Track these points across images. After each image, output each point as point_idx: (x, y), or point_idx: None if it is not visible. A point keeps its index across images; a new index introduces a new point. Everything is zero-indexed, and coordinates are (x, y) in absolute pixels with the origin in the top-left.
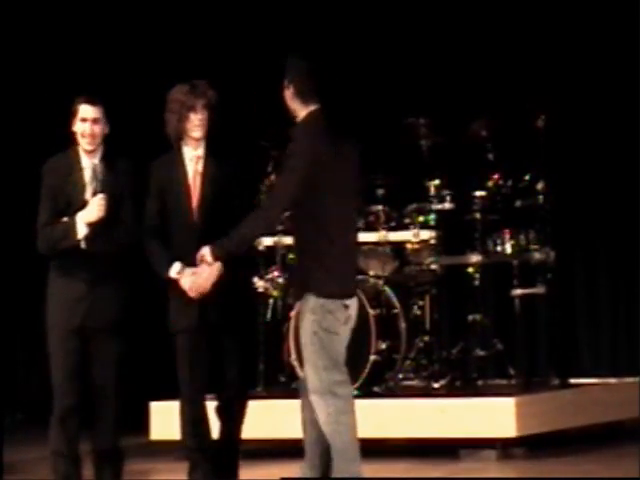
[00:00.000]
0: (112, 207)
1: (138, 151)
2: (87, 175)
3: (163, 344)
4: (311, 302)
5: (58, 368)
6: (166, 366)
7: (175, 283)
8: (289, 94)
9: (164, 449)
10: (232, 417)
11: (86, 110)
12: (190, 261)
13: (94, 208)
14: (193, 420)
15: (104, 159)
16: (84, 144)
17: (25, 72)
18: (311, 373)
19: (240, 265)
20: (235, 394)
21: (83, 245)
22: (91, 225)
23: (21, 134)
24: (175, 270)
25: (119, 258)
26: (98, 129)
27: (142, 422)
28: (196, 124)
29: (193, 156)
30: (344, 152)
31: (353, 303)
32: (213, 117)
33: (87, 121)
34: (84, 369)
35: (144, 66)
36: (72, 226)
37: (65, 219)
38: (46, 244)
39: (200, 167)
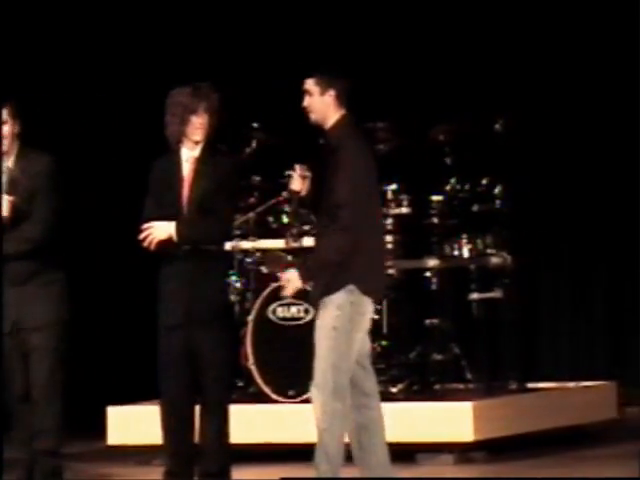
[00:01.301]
0: (22, 207)
1: (139, 150)
2: (3, 178)
3: (122, 347)
4: (340, 298)
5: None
6: (124, 370)
7: (165, 281)
8: (327, 99)
9: (122, 454)
10: (214, 420)
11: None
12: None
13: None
14: (174, 423)
15: (19, 159)
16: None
17: None
18: (319, 368)
19: (220, 265)
20: (215, 396)
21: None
22: None
23: None
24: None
25: (43, 255)
26: (6, 130)
27: (99, 427)
28: (197, 127)
29: (190, 157)
30: (372, 156)
31: (373, 307)
32: (214, 120)
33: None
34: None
35: (140, 68)
36: None
37: None
38: None
39: (195, 168)
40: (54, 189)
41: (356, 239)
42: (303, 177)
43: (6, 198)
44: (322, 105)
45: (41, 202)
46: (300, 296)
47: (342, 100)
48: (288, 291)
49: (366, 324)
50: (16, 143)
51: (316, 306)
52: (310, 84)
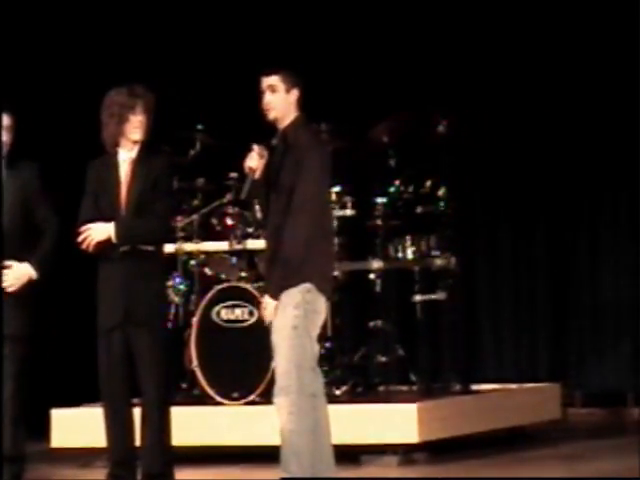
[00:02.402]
0: (20, 214)
1: (74, 152)
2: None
3: (66, 349)
4: (298, 297)
5: None
6: (68, 373)
7: (103, 282)
8: (291, 98)
9: (65, 456)
10: (154, 422)
11: None
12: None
13: None
14: (113, 424)
15: (7, 167)
16: None
17: None
18: (282, 370)
19: (158, 265)
20: (155, 398)
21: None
22: None
23: None
24: None
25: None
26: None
27: (43, 429)
28: (135, 126)
29: (127, 158)
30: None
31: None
32: (150, 121)
33: None
34: None
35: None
36: None
37: None
38: None
39: (132, 169)
40: (45, 194)
41: (314, 238)
42: (261, 156)
43: None
44: (285, 103)
45: (42, 210)
46: (244, 298)
47: (300, 102)
48: (268, 317)
49: (321, 323)
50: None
51: (273, 298)
52: (275, 81)
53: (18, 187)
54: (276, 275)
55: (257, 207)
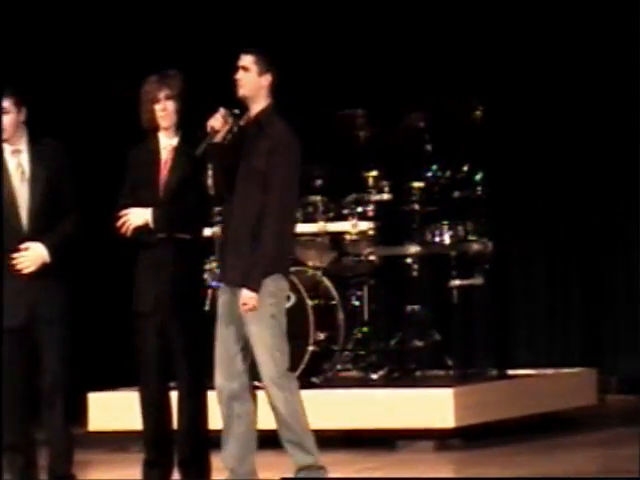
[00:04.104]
0: (45, 194)
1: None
2: (11, 164)
3: (104, 333)
4: (271, 286)
5: (2, 367)
6: (105, 356)
7: (139, 267)
8: (262, 81)
9: (102, 440)
10: (189, 407)
11: None
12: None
13: None
14: (149, 408)
15: (29, 146)
16: None
17: None
18: (265, 359)
19: (194, 253)
20: (190, 383)
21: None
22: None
23: None
24: None
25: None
26: (7, 120)
27: (80, 413)
28: (160, 115)
29: (167, 144)
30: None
31: None
32: (181, 107)
33: None
34: (30, 362)
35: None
36: None
37: None
38: None
39: (172, 156)
40: (72, 173)
41: (287, 227)
42: (225, 120)
43: None
44: (256, 84)
45: (68, 190)
46: None
47: (273, 89)
48: (247, 310)
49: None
50: (24, 131)
51: (253, 291)
52: (248, 61)
53: (43, 166)
54: (257, 269)
55: (210, 172)
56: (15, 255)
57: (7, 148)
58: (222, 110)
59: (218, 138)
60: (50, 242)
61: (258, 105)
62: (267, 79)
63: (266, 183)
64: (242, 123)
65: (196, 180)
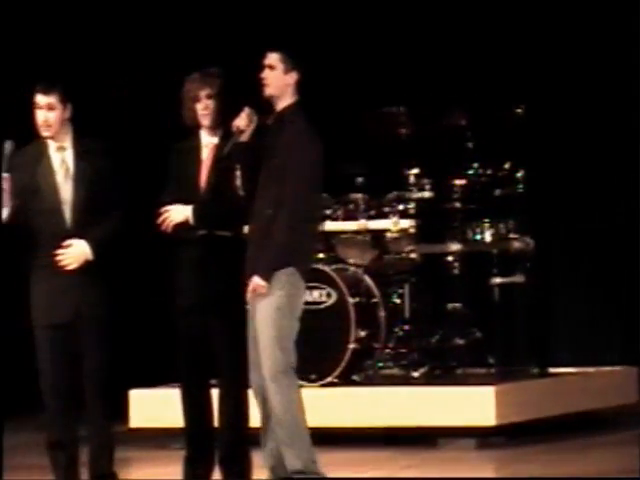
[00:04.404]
0: (93, 191)
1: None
2: (55, 161)
3: (144, 330)
4: (283, 278)
5: (45, 363)
6: (147, 353)
7: (180, 264)
8: (288, 79)
9: (143, 437)
10: (229, 405)
11: (39, 98)
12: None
13: None
14: (191, 406)
15: (75, 142)
16: (41, 132)
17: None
18: (267, 352)
19: (235, 250)
20: (231, 380)
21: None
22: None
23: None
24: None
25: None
26: (53, 116)
27: (121, 410)
28: (200, 113)
29: (209, 142)
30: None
31: None
32: (222, 105)
33: (42, 109)
34: (74, 359)
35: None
36: None
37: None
38: None
39: (213, 154)
40: (117, 172)
41: (302, 223)
42: (250, 119)
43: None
44: (281, 82)
45: (112, 188)
46: (321, 280)
47: (299, 88)
48: (253, 295)
49: (301, 307)
50: (69, 128)
51: (264, 279)
52: (274, 59)
53: (88, 164)
54: (267, 258)
55: (238, 173)
56: (58, 252)
57: (52, 145)
58: (247, 109)
59: (244, 137)
60: (93, 239)
61: (283, 103)
62: (293, 77)
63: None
64: (269, 122)
65: (237, 178)
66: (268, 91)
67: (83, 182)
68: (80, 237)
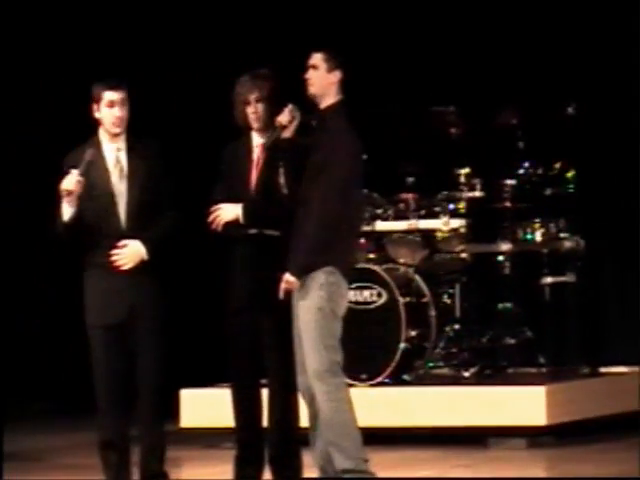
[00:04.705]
0: (147, 191)
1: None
2: (110, 161)
3: (196, 330)
4: (322, 278)
5: (99, 362)
6: (198, 353)
7: (231, 263)
8: (331, 78)
9: (194, 437)
10: (280, 405)
11: (114, 94)
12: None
13: (69, 182)
14: (241, 406)
15: (129, 142)
16: (113, 129)
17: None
18: (311, 352)
19: (285, 249)
20: (282, 380)
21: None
22: (71, 205)
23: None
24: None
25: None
26: (125, 112)
27: (172, 410)
28: (251, 117)
29: (259, 143)
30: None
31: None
32: (272, 108)
33: (115, 105)
34: (127, 359)
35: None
36: (60, 208)
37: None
38: (58, 232)
39: (264, 154)
40: (170, 174)
41: (339, 222)
42: (292, 115)
43: (74, 172)
44: (325, 82)
45: (166, 189)
46: (372, 279)
47: (341, 84)
48: (284, 291)
49: (345, 304)
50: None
51: (294, 276)
52: (318, 59)
53: (142, 164)
54: (299, 256)
55: (281, 171)
56: (113, 252)
57: (106, 144)
58: (290, 106)
59: (287, 134)
60: (148, 239)
61: (326, 102)
62: (336, 75)
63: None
64: (313, 122)
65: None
66: (311, 90)
67: (137, 182)
68: (134, 237)
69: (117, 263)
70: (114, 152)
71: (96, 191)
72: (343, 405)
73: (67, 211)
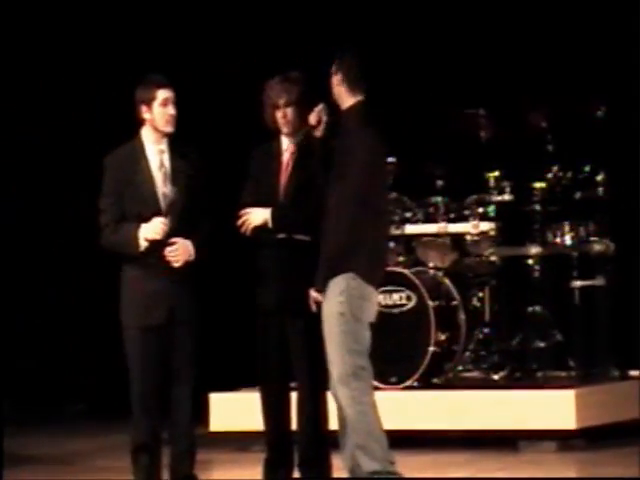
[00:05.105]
0: (188, 194)
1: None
2: (154, 163)
3: (225, 334)
4: (342, 284)
5: (136, 363)
6: (227, 357)
7: (260, 267)
8: (336, 80)
9: (224, 440)
10: (309, 408)
11: (166, 92)
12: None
13: (155, 229)
14: (270, 409)
15: (171, 146)
16: (166, 127)
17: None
18: (335, 357)
19: (314, 254)
20: (311, 383)
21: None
22: (151, 242)
23: (84, 126)
24: None
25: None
26: (173, 111)
27: (202, 413)
28: (280, 121)
29: (289, 146)
30: (384, 142)
31: (377, 296)
32: (302, 112)
33: (169, 104)
34: (163, 362)
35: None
36: (134, 238)
37: (129, 227)
38: (109, 247)
39: (293, 158)
40: (209, 182)
41: (360, 228)
42: (320, 116)
43: (163, 220)
44: (335, 87)
45: (204, 197)
46: (401, 283)
47: (354, 85)
48: (312, 306)
49: (371, 310)
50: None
51: (321, 291)
52: (334, 65)
53: (184, 168)
54: (320, 266)
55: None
56: (167, 249)
57: (149, 146)
58: (320, 106)
59: (317, 133)
60: (196, 240)
61: (344, 105)
62: (338, 78)
63: None
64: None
65: (316, 183)
66: (333, 95)
67: (181, 185)
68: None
69: (171, 259)
70: (158, 154)
71: (140, 194)
72: (368, 409)
73: (143, 244)
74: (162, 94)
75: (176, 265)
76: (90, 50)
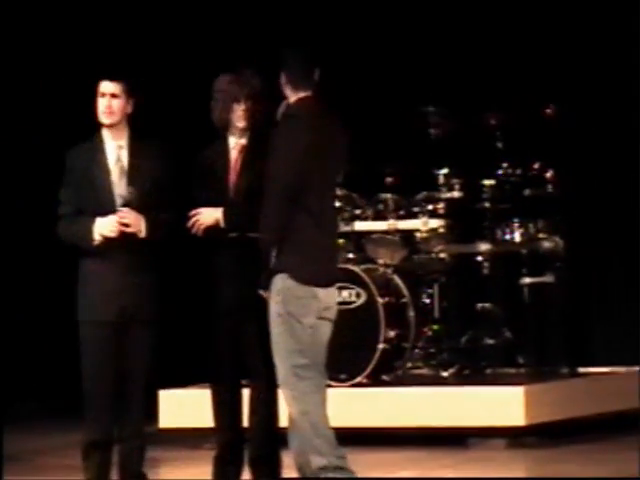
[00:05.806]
0: (146, 191)
1: (189, 138)
2: (111, 158)
3: (174, 331)
4: (279, 284)
5: (89, 360)
6: (176, 354)
7: (214, 266)
8: (282, 81)
9: (173, 437)
10: (261, 406)
11: (105, 85)
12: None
13: (109, 227)
14: (221, 406)
15: (132, 141)
16: (102, 119)
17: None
18: (276, 358)
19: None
20: (263, 380)
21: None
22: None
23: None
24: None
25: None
26: (116, 104)
27: (151, 410)
28: (239, 115)
29: (236, 144)
30: (332, 138)
31: (327, 294)
32: (259, 106)
33: (105, 96)
34: (117, 359)
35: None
36: (89, 232)
37: (84, 220)
38: (64, 238)
39: (243, 155)
40: (175, 176)
41: (290, 228)
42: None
43: (117, 218)
44: (282, 86)
45: (168, 191)
46: (351, 280)
47: (297, 83)
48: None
49: (312, 308)
50: (128, 126)
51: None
52: None
53: (143, 164)
54: (264, 265)
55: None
56: (119, 215)
57: (109, 142)
58: (286, 101)
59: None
60: (149, 220)
61: (291, 99)
62: (282, 76)
63: None
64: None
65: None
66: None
67: (137, 182)
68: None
69: (123, 221)
70: (116, 150)
71: (95, 189)
72: (311, 408)
73: (97, 238)
74: (101, 86)
75: (128, 230)
76: (82, 51)
